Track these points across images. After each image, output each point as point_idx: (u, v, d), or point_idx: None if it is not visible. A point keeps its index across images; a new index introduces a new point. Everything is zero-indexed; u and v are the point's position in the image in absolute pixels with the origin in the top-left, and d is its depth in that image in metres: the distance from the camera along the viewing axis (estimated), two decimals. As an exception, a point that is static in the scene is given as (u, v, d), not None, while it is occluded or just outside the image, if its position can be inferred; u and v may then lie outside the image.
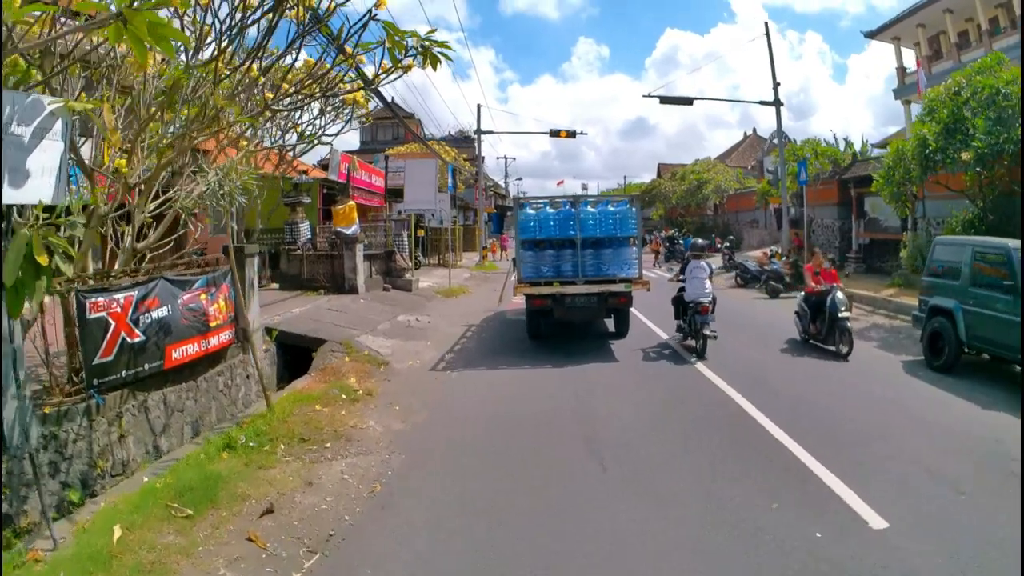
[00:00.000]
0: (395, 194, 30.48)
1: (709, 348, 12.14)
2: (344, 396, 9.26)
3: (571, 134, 33.76)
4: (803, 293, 13.16)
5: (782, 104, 26.54)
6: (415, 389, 10.31)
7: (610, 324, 14.86)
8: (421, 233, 33.12)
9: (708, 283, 12.72)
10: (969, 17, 31.04)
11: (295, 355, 11.47)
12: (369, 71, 7.44)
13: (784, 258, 23.27)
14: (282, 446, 7.31)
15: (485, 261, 36.19)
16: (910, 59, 37.29)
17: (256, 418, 8.07)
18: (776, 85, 26.34)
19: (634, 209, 14.25)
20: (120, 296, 7.02)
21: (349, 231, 19.22)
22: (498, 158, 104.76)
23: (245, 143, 9.82)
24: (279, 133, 19.89)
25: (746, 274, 23.83)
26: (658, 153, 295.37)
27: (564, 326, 14.82)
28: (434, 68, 5.65)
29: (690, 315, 12.67)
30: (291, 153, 19.87)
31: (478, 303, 19.68)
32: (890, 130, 46.82)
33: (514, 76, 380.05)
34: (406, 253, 21.02)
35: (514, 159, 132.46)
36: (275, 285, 18.64)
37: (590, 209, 13.99)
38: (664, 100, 26.94)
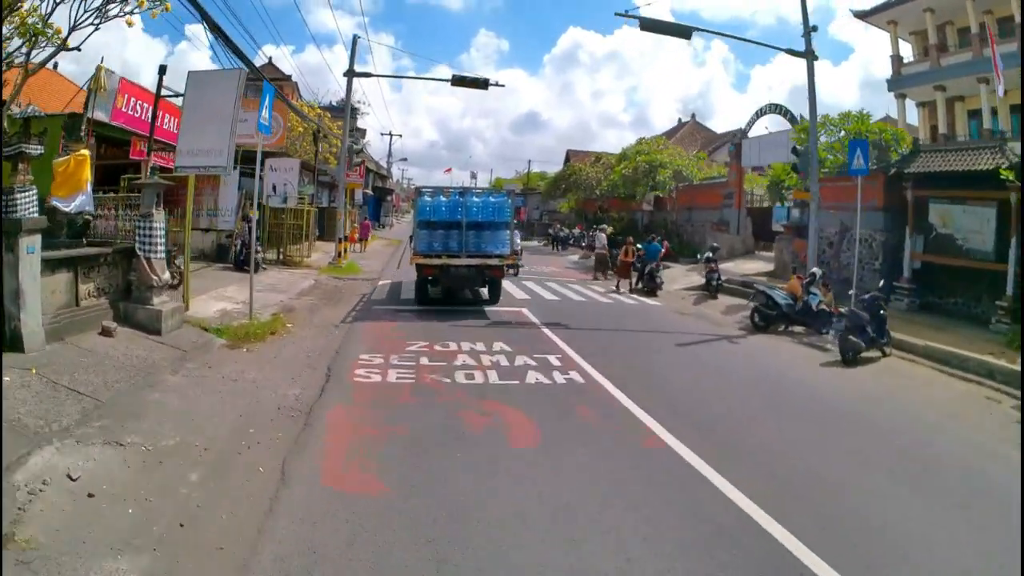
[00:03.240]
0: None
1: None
2: None
3: (480, 83, 24.92)
4: None
5: (816, 57, 18.56)
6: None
7: (485, 293, 18.42)
8: (254, 214, 23.59)
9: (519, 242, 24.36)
10: (988, 9, 27.68)
11: None
12: None
13: (824, 286, 15.74)
14: None
15: (342, 260, 26.45)
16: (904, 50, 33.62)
17: None
18: (809, 31, 18.42)
19: (510, 201, 18.92)
20: None
21: (70, 205, 10.90)
22: (383, 134, 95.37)
23: None
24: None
25: (771, 309, 15.49)
26: (548, 148, 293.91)
27: (449, 293, 18.32)
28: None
29: None
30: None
31: (288, 373, 9.77)
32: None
33: (410, 64, 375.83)
34: (159, 253, 11.37)
35: (400, 136, 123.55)
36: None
37: (475, 199, 18.16)
38: (647, 25, 17.96)
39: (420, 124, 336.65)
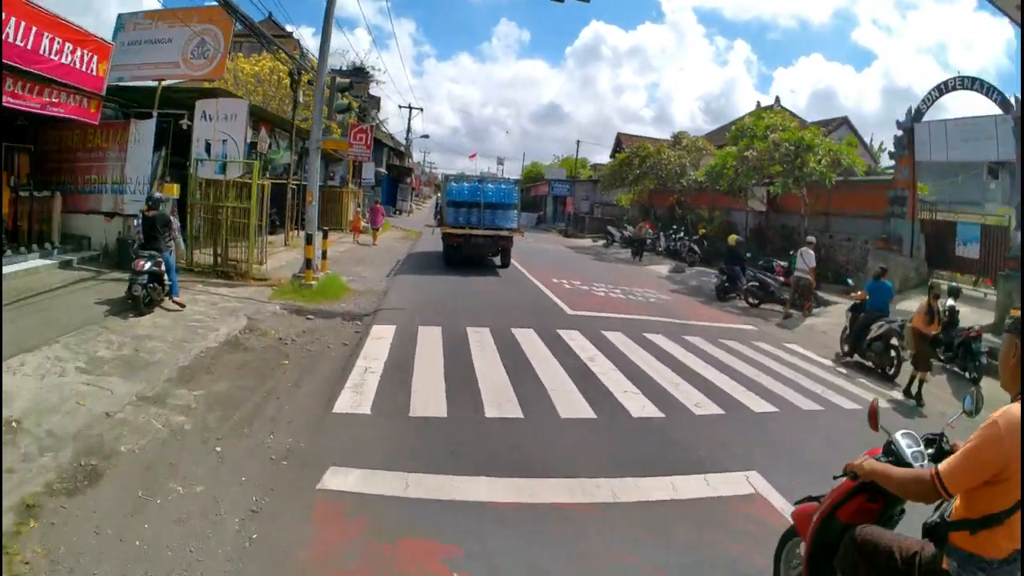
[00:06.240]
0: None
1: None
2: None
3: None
4: None
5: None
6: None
7: (497, 260, 22.61)
8: (167, 191, 13.62)
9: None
10: None
11: None
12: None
13: None
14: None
15: (312, 273, 15.16)
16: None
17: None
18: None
19: (517, 188, 23.86)
20: None
21: None
22: (401, 107, 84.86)
23: None
24: None
25: None
26: (568, 140, 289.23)
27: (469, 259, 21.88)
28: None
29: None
30: None
31: None
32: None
33: (432, 51, 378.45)
34: None
35: (420, 110, 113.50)
36: None
37: (490, 185, 22.53)
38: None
39: (441, 111, 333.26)
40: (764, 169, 23.46)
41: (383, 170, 50.60)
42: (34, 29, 10.86)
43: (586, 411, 8.02)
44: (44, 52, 11.19)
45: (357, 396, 7.86)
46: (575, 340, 11.65)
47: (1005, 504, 2.79)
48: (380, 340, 10.68)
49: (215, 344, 9.46)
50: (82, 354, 8.27)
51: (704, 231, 30.10)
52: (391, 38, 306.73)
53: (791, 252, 21.19)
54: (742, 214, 30.23)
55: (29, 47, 10.78)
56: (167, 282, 10.95)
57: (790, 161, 22.04)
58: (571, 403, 8.24)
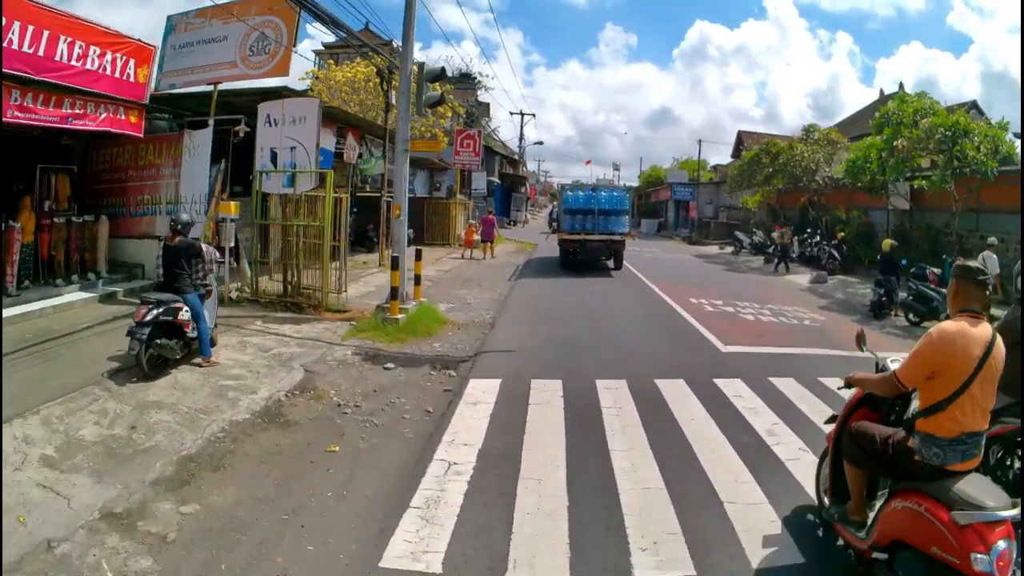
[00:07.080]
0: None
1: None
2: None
3: None
4: None
5: None
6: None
7: (611, 263, 24.69)
8: (226, 209, 11.87)
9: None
10: None
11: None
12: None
13: None
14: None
15: (399, 304, 12.30)
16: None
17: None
18: None
19: (628, 195, 25.99)
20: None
21: None
22: (512, 113, 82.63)
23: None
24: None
25: None
26: (680, 144, 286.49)
27: (583, 262, 24.19)
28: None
29: None
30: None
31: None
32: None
33: (540, 59, 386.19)
34: None
35: (533, 115, 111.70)
36: None
37: (603, 193, 24.03)
38: None
39: (553, 119, 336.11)
40: (913, 160, 19.76)
41: (495, 179, 48.62)
42: (46, 33, 9.44)
43: (787, 550, 4.80)
44: (61, 58, 9.77)
45: (426, 529, 4.89)
46: (741, 397, 8.47)
47: (943, 394, 3.79)
48: (477, 407, 7.80)
49: (245, 416, 7.00)
50: (59, 433, 6.11)
51: (843, 234, 26.52)
52: (499, 48, 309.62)
53: (943, 256, 19.25)
54: (881, 213, 26.00)
55: (40, 53, 9.38)
56: (190, 334, 8.31)
57: (948, 149, 18.26)
58: (761, 530, 5.02)
